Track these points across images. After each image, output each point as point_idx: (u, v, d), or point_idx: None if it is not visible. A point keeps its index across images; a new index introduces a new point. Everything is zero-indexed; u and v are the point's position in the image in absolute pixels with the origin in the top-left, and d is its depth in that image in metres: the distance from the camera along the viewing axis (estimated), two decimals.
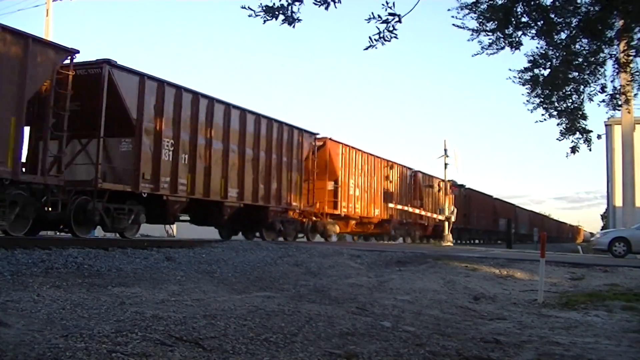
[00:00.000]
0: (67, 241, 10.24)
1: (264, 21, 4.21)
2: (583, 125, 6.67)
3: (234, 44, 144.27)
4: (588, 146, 6.71)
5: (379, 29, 4.30)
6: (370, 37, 4.36)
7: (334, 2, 4.26)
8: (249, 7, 4.22)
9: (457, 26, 6.08)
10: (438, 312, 6.54)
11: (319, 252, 12.11)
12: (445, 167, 29.14)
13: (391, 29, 4.29)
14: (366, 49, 4.41)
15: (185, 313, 4.91)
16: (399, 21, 4.27)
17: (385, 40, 4.36)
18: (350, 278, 9.15)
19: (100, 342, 3.68)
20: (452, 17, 6.05)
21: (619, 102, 6.79)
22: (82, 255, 8.58)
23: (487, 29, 5.88)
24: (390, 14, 4.22)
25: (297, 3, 4.22)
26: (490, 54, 6.05)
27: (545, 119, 6.74)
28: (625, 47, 6.23)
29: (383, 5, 4.19)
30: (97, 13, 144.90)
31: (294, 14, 4.25)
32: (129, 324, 4.28)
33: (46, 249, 8.74)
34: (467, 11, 5.90)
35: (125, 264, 8.54)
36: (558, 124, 6.75)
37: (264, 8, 4.21)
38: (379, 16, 4.23)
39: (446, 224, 28.52)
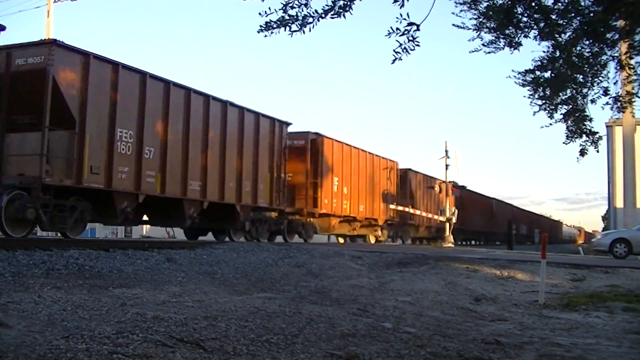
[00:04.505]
0: (68, 242, 10.24)
1: (291, 34, 4.27)
2: (589, 128, 6.64)
3: (235, 44, 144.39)
4: (595, 148, 6.68)
5: (399, 42, 4.29)
6: (394, 51, 4.34)
7: (345, 13, 4.30)
8: (268, 24, 4.25)
9: (457, 26, 6.08)
10: (439, 313, 6.54)
11: (320, 254, 12.12)
12: (447, 169, 29.04)
13: (411, 38, 4.28)
14: (393, 62, 4.40)
15: (186, 314, 4.91)
16: (418, 29, 4.26)
17: (409, 51, 4.35)
18: (351, 279, 9.15)
19: (101, 343, 3.68)
20: (452, 13, 6.04)
21: (624, 105, 6.76)
22: (83, 257, 8.59)
23: (487, 27, 5.86)
24: (408, 24, 4.22)
25: (305, 9, 4.25)
26: (488, 52, 6.04)
27: (550, 124, 6.71)
28: (629, 50, 6.21)
29: (397, 18, 4.18)
30: (98, 13, 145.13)
31: (306, 21, 4.29)
32: (130, 325, 4.28)
33: (47, 250, 8.75)
34: (465, 9, 5.89)
35: (126, 265, 8.55)
36: (567, 128, 6.72)
37: (277, 22, 4.24)
38: (398, 29, 4.22)
39: (447, 225, 28.43)
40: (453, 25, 6.04)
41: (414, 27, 4.25)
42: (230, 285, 7.61)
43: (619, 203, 29.30)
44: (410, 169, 28.48)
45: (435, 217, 29.47)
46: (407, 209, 27.20)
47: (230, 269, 9.34)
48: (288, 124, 18.07)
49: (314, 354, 4.03)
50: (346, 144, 21.83)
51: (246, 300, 6.21)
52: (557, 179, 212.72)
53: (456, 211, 29.24)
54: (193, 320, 4.65)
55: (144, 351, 3.62)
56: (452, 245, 27.05)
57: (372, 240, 24.65)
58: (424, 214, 29.11)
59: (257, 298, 6.46)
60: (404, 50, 4.34)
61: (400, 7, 4.19)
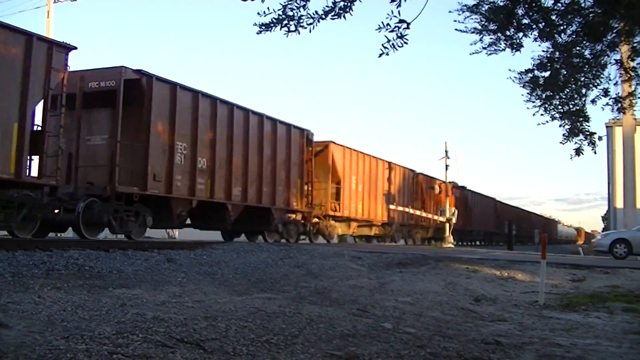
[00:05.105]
0: (68, 243, 10.24)
1: (287, 34, 4.27)
2: (586, 127, 6.65)
3: (236, 43, 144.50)
4: (592, 148, 6.68)
5: (387, 37, 4.32)
6: (382, 45, 4.39)
7: (345, 14, 4.32)
8: (263, 25, 4.26)
9: (460, 30, 6.10)
10: (439, 313, 6.54)
11: (320, 254, 12.15)
12: (447, 169, 29.01)
13: (400, 35, 4.31)
14: (379, 56, 4.44)
15: (186, 314, 4.91)
16: (408, 27, 4.29)
17: (397, 47, 4.38)
18: (351, 279, 9.16)
19: (101, 344, 3.68)
20: (455, 21, 6.06)
21: (624, 106, 6.77)
22: (83, 257, 8.59)
23: (489, 29, 5.88)
24: (399, 21, 4.25)
25: (302, 9, 4.25)
26: (489, 53, 6.06)
27: (547, 122, 6.72)
28: (630, 52, 6.22)
29: (388, 14, 4.21)
30: (98, 14, 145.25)
31: (301, 22, 4.30)
32: (130, 326, 4.28)
33: (47, 251, 8.74)
34: (468, 13, 5.92)
35: (126, 265, 8.55)
36: (560, 126, 6.73)
37: (274, 21, 4.25)
38: (388, 25, 4.25)
39: (447, 225, 28.36)
40: (456, 30, 6.06)
41: (404, 25, 4.27)
42: (230, 286, 7.61)
43: (619, 203, 29.33)
44: (333, 142, 20.93)
45: (391, 205, 24.76)
46: (329, 199, 20.71)
47: (230, 269, 9.34)
48: (68, 48, 11.32)
49: (314, 354, 4.03)
50: (204, 94, 14.56)
51: (246, 300, 6.22)
52: (557, 180, 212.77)
53: (456, 211, 29.15)
54: (193, 320, 4.66)
55: (144, 351, 3.62)
56: (452, 246, 27.06)
57: (271, 239, 17.91)
58: (355, 204, 22.44)
59: (257, 298, 6.46)
60: (392, 47, 4.38)
61: (397, 7, 4.22)
